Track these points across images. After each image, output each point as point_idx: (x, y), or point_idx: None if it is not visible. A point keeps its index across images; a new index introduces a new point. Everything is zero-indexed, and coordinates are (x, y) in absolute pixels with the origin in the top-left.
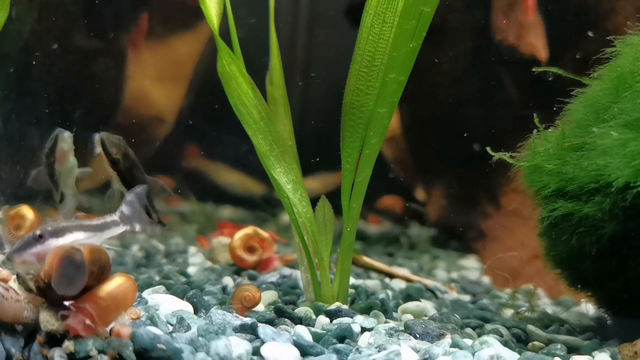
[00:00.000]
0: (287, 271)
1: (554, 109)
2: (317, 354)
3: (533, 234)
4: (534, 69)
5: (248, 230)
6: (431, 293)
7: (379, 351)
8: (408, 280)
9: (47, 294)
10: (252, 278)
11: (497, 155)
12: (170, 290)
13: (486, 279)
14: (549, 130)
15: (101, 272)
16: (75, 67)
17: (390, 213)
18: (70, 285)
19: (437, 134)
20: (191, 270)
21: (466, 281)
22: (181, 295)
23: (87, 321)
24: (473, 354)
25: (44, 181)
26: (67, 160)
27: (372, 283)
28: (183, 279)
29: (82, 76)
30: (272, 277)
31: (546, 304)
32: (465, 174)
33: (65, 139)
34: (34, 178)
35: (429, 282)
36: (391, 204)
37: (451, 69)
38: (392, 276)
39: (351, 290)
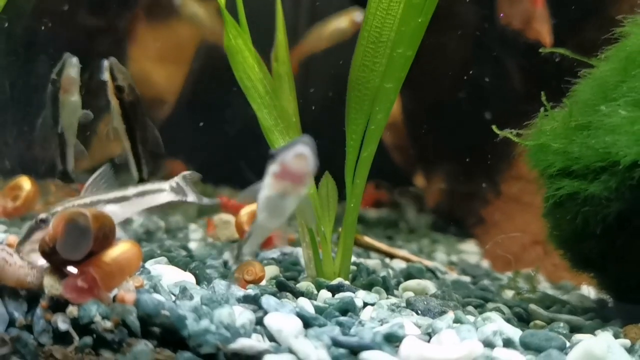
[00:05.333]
0: (287, 249)
1: (558, 93)
2: (320, 326)
3: (533, 220)
4: (540, 50)
5: (255, 207)
6: (432, 273)
7: (381, 324)
8: (408, 260)
9: (51, 258)
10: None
11: (502, 134)
12: (172, 262)
13: (485, 264)
14: (556, 109)
15: (105, 238)
16: (79, 44)
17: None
18: (75, 250)
19: (437, 120)
20: (192, 245)
21: (466, 264)
22: (183, 267)
23: (79, 283)
24: (476, 329)
25: (50, 125)
26: (72, 92)
27: (373, 262)
28: (184, 253)
29: (87, 53)
30: (273, 254)
31: (546, 288)
32: (465, 160)
33: (73, 64)
34: (40, 125)
35: (429, 263)
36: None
37: (453, 54)
38: (392, 256)
39: (352, 268)
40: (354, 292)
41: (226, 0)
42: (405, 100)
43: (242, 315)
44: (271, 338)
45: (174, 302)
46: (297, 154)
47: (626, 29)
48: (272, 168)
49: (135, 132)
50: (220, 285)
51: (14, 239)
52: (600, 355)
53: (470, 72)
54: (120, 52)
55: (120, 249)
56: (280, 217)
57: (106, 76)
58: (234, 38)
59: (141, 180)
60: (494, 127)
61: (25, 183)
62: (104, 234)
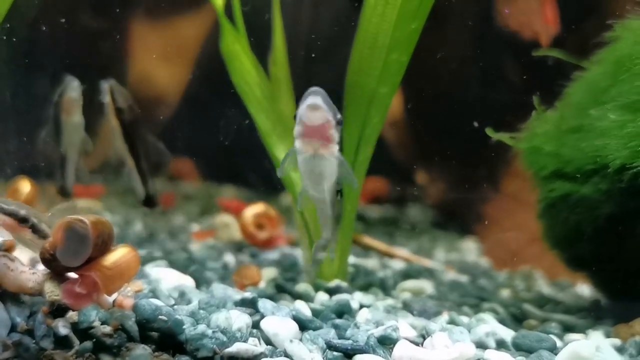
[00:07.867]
0: (288, 250)
1: (554, 91)
2: (315, 329)
3: (532, 217)
4: (534, 53)
5: (259, 207)
6: (430, 273)
7: (376, 327)
8: (407, 260)
9: (52, 264)
10: (253, 255)
11: (496, 137)
12: (172, 265)
13: (484, 261)
14: (549, 112)
15: (104, 245)
16: (82, 43)
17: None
18: (74, 256)
19: (438, 117)
20: (193, 247)
21: (464, 263)
22: (183, 270)
23: (77, 288)
24: (469, 331)
25: (51, 143)
26: (74, 113)
27: (372, 262)
28: (185, 255)
29: (90, 52)
30: (273, 255)
31: (543, 286)
32: (465, 158)
33: (74, 87)
34: (43, 140)
35: (428, 262)
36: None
37: (453, 52)
38: (391, 256)
39: (351, 269)
40: (350, 294)
41: (224, 4)
42: (406, 97)
43: (239, 319)
44: (267, 341)
45: (172, 306)
46: (309, 106)
47: (617, 33)
48: (296, 130)
49: (138, 150)
50: (218, 288)
51: (9, 243)
52: (588, 356)
53: (471, 69)
54: (121, 54)
55: (120, 254)
56: (319, 180)
57: (107, 98)
58: (232, 43)
59: (147, 197)
60: (488, 131)
61: (24, 185)
62: (103, 241)
